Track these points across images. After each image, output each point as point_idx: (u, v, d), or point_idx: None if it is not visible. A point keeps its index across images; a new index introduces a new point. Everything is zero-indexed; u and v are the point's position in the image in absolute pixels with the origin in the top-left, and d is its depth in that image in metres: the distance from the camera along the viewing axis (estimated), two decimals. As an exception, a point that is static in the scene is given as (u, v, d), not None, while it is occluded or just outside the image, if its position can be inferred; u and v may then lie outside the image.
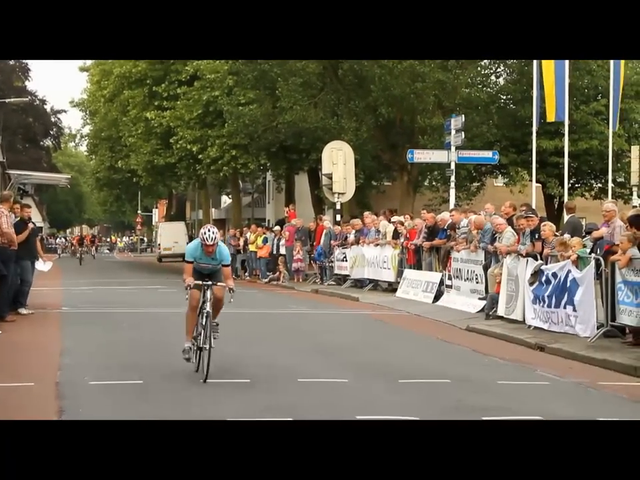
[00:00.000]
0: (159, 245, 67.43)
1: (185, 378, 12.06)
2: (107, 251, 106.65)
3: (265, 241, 37.25)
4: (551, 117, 30.41)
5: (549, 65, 30.06)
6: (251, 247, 38.20)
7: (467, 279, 22.13)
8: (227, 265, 12.74)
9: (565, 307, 16.75)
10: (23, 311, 20.17)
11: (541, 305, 17.51)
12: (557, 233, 18.63)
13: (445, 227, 24.23)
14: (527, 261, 18.31)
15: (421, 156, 33.14)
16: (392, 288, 27.20)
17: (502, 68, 42.53)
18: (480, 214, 22.87)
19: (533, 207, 23.64)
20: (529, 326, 17.76)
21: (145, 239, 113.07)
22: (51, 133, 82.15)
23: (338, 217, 34.89)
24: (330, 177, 34.66)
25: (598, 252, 16.47)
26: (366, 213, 31.68)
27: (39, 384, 11.54)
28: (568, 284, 16.70)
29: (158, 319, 20.09)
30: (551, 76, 29.91)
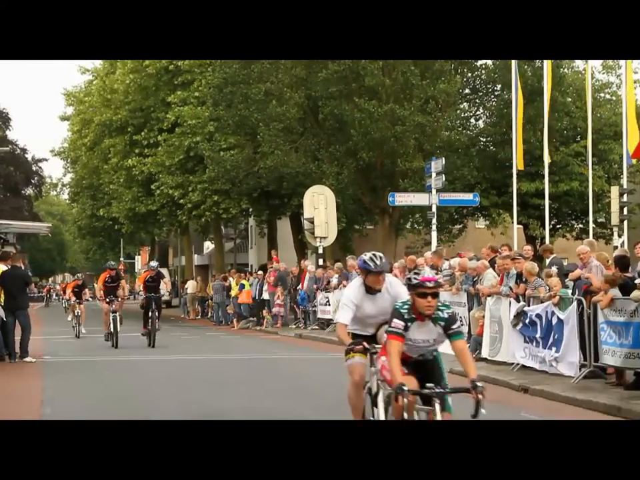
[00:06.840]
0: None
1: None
2: (90, 299, 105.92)
3: (242, 287, 37.12)
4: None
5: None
6: (232, 293, 38.12)
7: (450, 321, 21.99)
8: None
9: (548, 348, 16.70)
10: (27, 359, 20.86)
11: (530, 344, 17.46)
12: (542, 276, 18.57)
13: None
14: (510, 302, 18.27)
15: (402, 199, 33.23)
16: (375, 331, 27.03)
17: (481, 110, 42.78)
18: (464, 255, 22.88)
19: (515, 248, 23.65)
20: (513, 367, 17.69)
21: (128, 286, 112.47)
22: (32, 181, 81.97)
23: (320, 261, 34.84)
24: (312, 221, 34.63)
25: (577, 293, 16.46)
26: (349, 257, 31.65)
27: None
28: (551, 325, 16.67)
29: (138, 368, 20.02)
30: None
